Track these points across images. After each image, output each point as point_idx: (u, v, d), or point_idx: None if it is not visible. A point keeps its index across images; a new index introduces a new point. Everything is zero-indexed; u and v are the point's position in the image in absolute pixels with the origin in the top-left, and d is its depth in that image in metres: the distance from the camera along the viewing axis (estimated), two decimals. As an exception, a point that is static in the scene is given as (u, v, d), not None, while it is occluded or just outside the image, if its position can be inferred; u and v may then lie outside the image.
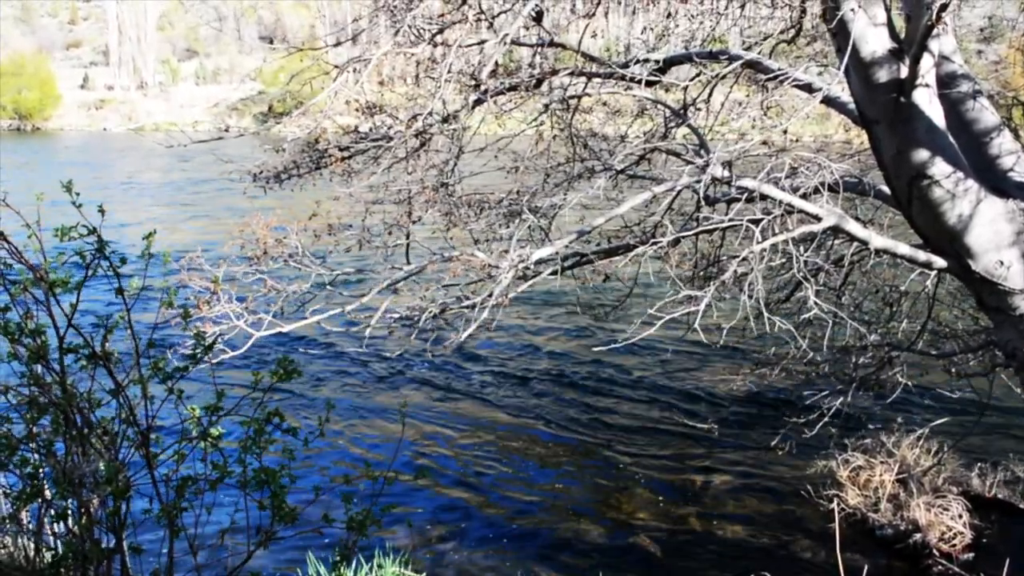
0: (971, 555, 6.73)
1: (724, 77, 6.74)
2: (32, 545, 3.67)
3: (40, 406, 3.35)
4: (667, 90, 6.61)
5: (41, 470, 3.42)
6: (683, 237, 5.26)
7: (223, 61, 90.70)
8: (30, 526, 3.81)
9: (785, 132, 6.08)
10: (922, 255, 4.90)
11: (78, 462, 3.20)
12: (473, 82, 5.62)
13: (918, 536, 6.84)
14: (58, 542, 3.68)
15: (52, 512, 3.39)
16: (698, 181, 4.66)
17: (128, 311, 3.51)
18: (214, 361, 4.37)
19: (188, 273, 4.90)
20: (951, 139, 4.76)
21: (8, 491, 3.64)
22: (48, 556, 3.50)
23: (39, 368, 3.39)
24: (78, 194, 3.31)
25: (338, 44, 6.42)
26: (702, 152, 4.89)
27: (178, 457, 3.43)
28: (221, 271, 4.97)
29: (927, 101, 4.61)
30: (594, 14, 6.10)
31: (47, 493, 3.47)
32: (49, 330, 3.47)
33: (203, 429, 3.43)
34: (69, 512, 3.41)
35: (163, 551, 3.41)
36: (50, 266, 3.43)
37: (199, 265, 4.99)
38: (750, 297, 4.64)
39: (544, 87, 6.29)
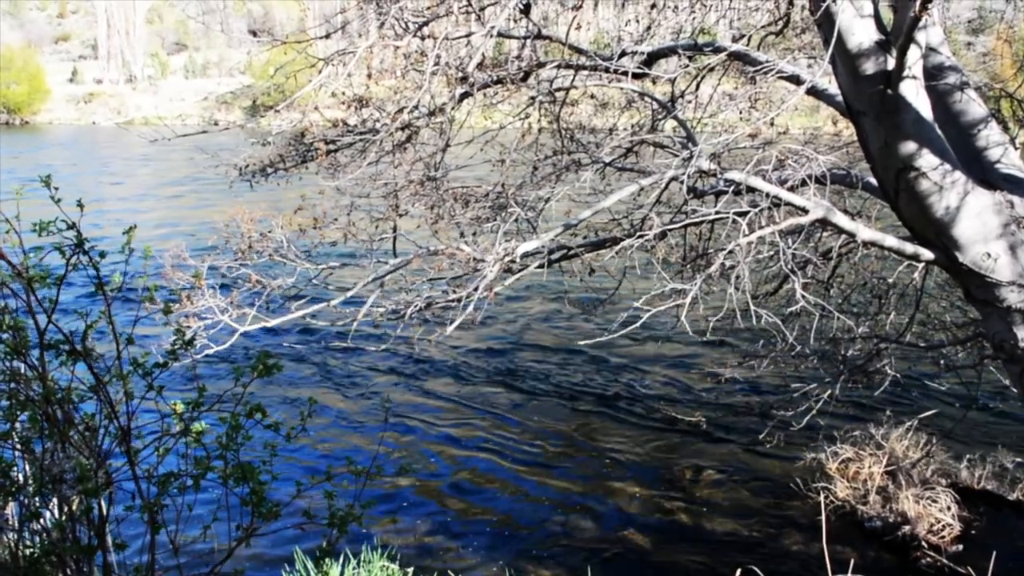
0: (960, 547, 6.75)
1: (712, 69, 6.71)
2: (15, 542, 3.63)
3: (20, 402, 3.31)
4: (654, 82, 6.58)
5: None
6: (670, 230, 5.23)
7: (212, 55, 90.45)
8: (15, 523, 3.77)
9: (772, 124, 6.05)
10: (909, 247, 4.89)
11: (59, 459, 3.17)
12: (460, 75, 5.58)
13: (907, 528, 6.86)
14: (38, 539, 3.65)
15: (31, 509, 3.36)
16: (684, 174, 4.64)
17: (108, 306, 3.47)
18: (198, 356, 4.34)
19: (172, 268, 4.86)
20: (938, 131, 4.74)
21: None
22: (30, 553, 3.46)
23: (18, 363, 3.35)
24: (56, 188, 3.27)
25: (324, 37, 6.38)
26: (689, 145, 4.86)
27: (160, 453, 3.39)
28: (206, 265, 4.94)
29: (914, 93, 4.58)
30: (581, 6, 6.06)
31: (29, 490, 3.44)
32: (29, 326, 3.43)
33: (185, 425, 3.40)
34: (49, 509, 3.38)
35: (145, 547, 3.38)
36: (30, 261, 3.39)
37: (183, 259, 4.95)
38: (737, 289, 4.62)
39: (532, 80, 6.25)
